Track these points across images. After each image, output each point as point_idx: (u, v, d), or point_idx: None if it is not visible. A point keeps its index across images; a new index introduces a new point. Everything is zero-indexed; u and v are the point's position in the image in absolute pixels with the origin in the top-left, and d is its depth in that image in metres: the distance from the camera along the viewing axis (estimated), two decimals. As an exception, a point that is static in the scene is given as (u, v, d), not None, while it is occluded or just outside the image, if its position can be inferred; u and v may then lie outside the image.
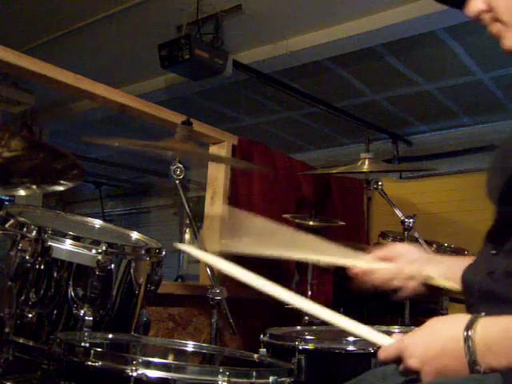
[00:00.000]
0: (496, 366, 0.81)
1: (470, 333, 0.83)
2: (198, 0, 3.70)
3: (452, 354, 0.84)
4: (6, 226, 1.42)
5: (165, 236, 7.69)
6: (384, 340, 0.95)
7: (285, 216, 2.40)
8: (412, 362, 0.87)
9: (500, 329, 0.83)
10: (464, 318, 0.86)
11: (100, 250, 1.44)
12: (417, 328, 0.92)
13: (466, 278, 1.06)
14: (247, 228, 1.26)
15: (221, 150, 2.84)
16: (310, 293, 2.36)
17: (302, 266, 3.14)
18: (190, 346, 1.42)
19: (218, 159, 2.56)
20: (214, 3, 3.73)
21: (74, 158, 1.26)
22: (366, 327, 0.98)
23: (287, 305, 1.07)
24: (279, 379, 1.06)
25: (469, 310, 1.01)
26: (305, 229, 2.30)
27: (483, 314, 0.86)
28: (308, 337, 1.61)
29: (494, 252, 1.00)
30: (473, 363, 0.82)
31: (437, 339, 0.87)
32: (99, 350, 1.07)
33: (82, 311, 1.43)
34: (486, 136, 5.03)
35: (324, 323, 1.01)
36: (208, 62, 3.75)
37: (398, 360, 0.90)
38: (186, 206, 1.81)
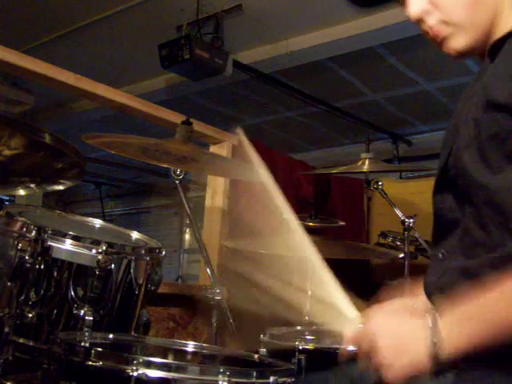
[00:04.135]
0: (457, 343, 0.81)
1: (434, 312, 0.85)
2: (198, 0, 3.71)
3: (410, 331, 0.85)
4: (6, 225, 1.42)
5: (165, 236, 7.68)
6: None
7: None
8: (375, 340, 0.87)
9: (464, 309, 0.83)
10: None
11: (100, 250, 1.44)
12: None
13: (424, 287, 1.03)
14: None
15: (221, 150, 2.84)
16: (309, 293, 2.34)
17: (302, 266, 3.13)
18: (190, 346, 1.42)
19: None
20: (214, 3, 3.73)
21: (74, 156, 1.26)
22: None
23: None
24: (279, 379, 1.06)
25: None
26: (305, 229, 2.29)
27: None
28: (308, 337, 1.61)
29: (441, 257, 0.99)
30: (433, 336, 0.81)
31: (398, 319, 0.89)
32: (100, 349, 1.07)
33: (82, 311, 1.42)
34: (485, 136, 5.02)
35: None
36: (208, 61, 3.75)
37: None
38: (186, 206, 1.81)
